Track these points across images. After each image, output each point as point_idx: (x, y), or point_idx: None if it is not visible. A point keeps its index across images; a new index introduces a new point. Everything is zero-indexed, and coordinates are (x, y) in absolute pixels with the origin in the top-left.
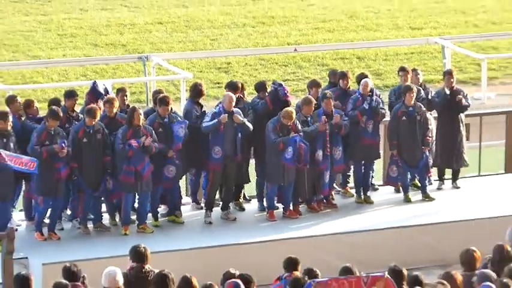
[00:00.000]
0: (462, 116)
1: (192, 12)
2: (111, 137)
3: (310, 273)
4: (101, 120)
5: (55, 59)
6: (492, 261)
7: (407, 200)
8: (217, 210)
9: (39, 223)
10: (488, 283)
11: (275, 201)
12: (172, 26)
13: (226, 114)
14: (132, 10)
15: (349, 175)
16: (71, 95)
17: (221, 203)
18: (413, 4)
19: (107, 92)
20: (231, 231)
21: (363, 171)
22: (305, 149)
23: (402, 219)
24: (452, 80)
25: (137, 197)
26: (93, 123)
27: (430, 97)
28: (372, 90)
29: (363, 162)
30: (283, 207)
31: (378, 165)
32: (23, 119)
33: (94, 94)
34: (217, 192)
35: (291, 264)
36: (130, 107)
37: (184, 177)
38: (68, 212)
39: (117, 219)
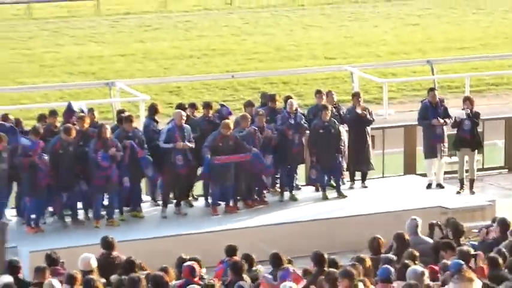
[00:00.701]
0: (368, 129)
1: (148, 47)
2: (85, 147)
3: (247, 257)
4: (76, 134)
5: (38, 85)
6: (396, 247)
7: (324, 198)
8: (171, 207)
9: (27, 218)
10: (387, 265)
11: (218, 199)
12: (132, 58)
13: (181, 143)
14: (100, 45)
15: (277, 177)
16: (53, 113)
17: (174, 200)
18: (327, 38)
19: (82, 111)
20: (182, 223)
21: (288, 174)
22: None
23: (321, 212)
24: (359, 99)
25: (106, 196)
26: (68, 138)
27: (342, 114)
28: (296, 109)
29: (289, 166)
30: (224, 204)
31: (301, 169)
32: None
33: (69, 112)
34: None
35: (231, 250)
36: (99, 123)
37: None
38: (50, 209)
39: (90, 215)
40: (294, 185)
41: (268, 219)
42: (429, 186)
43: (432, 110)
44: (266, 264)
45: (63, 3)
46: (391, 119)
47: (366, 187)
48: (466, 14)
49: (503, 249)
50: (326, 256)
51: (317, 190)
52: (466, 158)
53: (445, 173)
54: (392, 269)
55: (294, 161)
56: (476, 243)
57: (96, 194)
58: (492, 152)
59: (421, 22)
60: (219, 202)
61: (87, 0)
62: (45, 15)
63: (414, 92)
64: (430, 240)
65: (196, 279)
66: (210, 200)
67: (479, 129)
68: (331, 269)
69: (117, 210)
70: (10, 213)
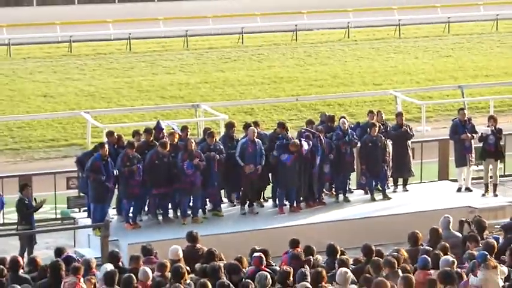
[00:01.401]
0: (409, 142)
1: (227, 75)
2: (175, 158)
3: (308, 249)
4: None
5: (136, 107)
6: (429, 240)
7: (372, 199)
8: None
9: (126, 216)
10: (425, 255)
11: (284, 200)
12: (214, 84)
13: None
14: (187, 74)
15: (333, 182)
16: (147, 131)
17: (248, 201)
18: (375, 68)
19: (173, 128)
20: (254, 221)
21: (342, 180)
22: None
23: (369, 212)
24: (403, 118)
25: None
26: (164, 152)
27: (388, 129)
28: (347, 127)
29: (343, 173)
30: (289, 204)
31: (353, 176)
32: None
33: (158, 129)
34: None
35: (294, 243)
36: (186, 138)
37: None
38: (146, 208)
39: (178, 214)
40: (347, 189)
41: (326, 217)
42: (459, 189)
43: (461, 127)
44: (323, 254)
45: (158, 39)
46: (428, 134)
47: (406, 191)
48: (491, 47)
49: None
50: (374, 248)
51: (366, 193)
52: (490, 166)
53: (473, 179)
54: (429, 259)
55: (346, 169)
56: (498, 236)
57: (183, 196)
58: None
59: (453, 54)
60: (285, 203)
61: (177, 37)
62: (143, 50)
63: (447, 112)
64: (460, 235)
65: (263, 266)
66: (277, 201)
67: (502, 143)
68: (376, 258)
69: (200, 210)
70: (112, 213)
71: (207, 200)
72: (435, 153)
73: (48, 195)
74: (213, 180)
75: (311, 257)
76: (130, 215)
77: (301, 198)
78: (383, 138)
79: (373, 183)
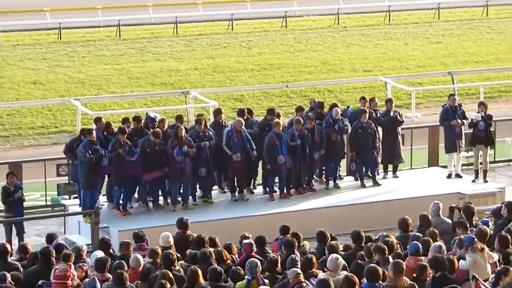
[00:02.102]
0: (399, 128)
1: (217, 62)
2: (165, 145)
3: (296, 235)
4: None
5: (125, 94)
6: (419, 226)
7: (362, 186)
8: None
9: (117, 203)
10: (416, 241)
11: (274, 187)
12: (204, 71)
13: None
14: (177, 61)
15: (323, 169)
16: (136, 119)
17: (238, 188)
18: (365, 54)
19: (155, 118)
20: (244, 207)
21: (332, 166)
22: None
23: (359, 198)
24: (392, 104)
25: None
26: (156, 140)
27: (378, 116)
28: (338, 116)
29: (333, 160)
30: (279, 191)
31: (343, 163)
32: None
33: (150, 121)
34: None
35: (284, 229)
36: (176, 125)
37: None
38: (135, 195)
39: (168, 200)
40: (337, 175)
41: (316, 204)
42: (449, 176)
43: (452, 113)
44: (312, 241)
45: (148, 26)
46: (418, 120)
47: (396, 177)
48: (481, 33)
49: None
50: (363, 234)
51: (356, 179)
52: (480, 152)
53: (463, 165)
54: (420, 245)
55: (337, 156)
56: (487, 220)
57: (174, 183)
58: (502, 148)
59: (443, 40)
60: (275, 190)
61: (167, 24)
62: (132, 37)
63: (437, 98)
64: (449, 221)
65: (253, 253)
66: (267, 188)
67: (492, 129)
68: (370, 244)
69: (190, 197)
70: (102, 200)
71: (198, 186)
72: (425, 140)
73: (39, 182)
74: (204, 167)
75: (297, 243)
76: (121, 202)
77: (291, 185)
78: (373, 124)
79: (363, 169)
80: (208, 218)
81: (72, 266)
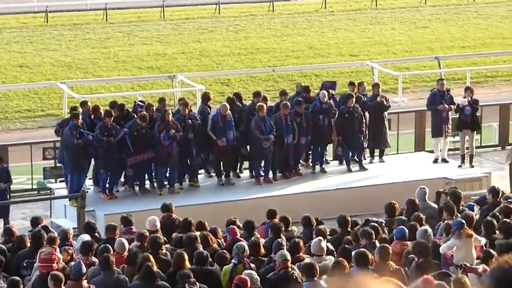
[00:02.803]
0: (385, 113)
1: (204, 46)
2: (151, 130)
3: (284, 219)
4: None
5: (112, 77)
6: (406, 211)
7: (349, 170)
8: (222, 178)
9: (103, 187)
10: (402, 226)
11: (260, 171)
12: (190, 55)
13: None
14: (164, 45)
15: (310, 153)
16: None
17: (224, 172)
18: (352, 39)
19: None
20: (231, 191)
21: (319, 151)
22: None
23: (346, 182)
24: (379, 89)
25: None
26: (143, 124)
27: (364, 101)
28: (325, 100)
29: (320, 144)
30: (264, 175)
31: (329, 147)
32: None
33: (138, 107)
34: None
35: (271, 214)
36: (163, 109)
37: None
38: (122, 179)
39: (154, 184)
40: (324, 160)
41: (302, 188)
42: (435, 161)
43: (439, 97)
44: (299, 225)
45: (135, 10)
46: (404, 105)
47: (383, 162)
48: (468, 18)
49: (497, 213)
50: (349, 219)
51: (342, 164)
52: (467, 137)
53: (449, 150)
54: (406, 229)
55: (324, 140)
56: (472, 204)
57: (160, 167)
58: (488, 133)
59: (430, 25)
60: (262, 174)
61: (154, 8)
62: (119, 20)
63: (424, 83)
64: (436, 206)
65: (238, 236)
66: (253, 172)
67: (478, 114)
68: (356, 228)
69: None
70: (88, 183)
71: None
72: (412, 125)
73: (25, 166)
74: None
75: (286, 227)
76: (107, 185)
77: (277, 170)
78: (360, 109)
79: (350, 154)
80: (195, 202)
81: (57, 249)
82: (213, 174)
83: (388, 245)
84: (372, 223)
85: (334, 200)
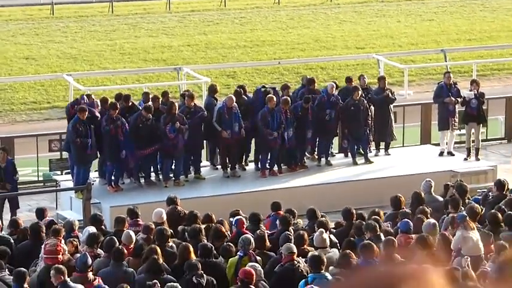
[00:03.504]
0: (391, 106)
1: (210, 38)
2: (157, 122)
3: (290, 212)
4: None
5: (118, 70)
6: (411, 204)
7: (354, 163)
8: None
9: (109, 179)
10: (407, 219)
11: (266, 164)
12: (196, 47)
13: (229, 132)
14: (170, 37)
15: (316, 146)
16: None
17: (230, 165)
18: (357, 31)
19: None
20: (236, 184)
21: (325, 144)
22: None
23: (351, 175)
24: (385, 82)
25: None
26: (147, 115)
27: (370, 94)
28: (333, 92)
29: (326, 137)
30: (269, 168)
31: (335, 140)
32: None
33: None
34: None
35: (276, 206)
36: (169, 101)
37: (205, 147)
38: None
39: (160, 177)
40: (329, 152)
41: (308, 181)
42: (441, 154)
43: (446, 90)
44: (304, 218)
45: (140, 2)
46: (410, 98)
47: (388, 154)
48: (474, 10)
49: (503, 206)
50: (354, 211)
51: (347, 157)
52: (473, 130)
53: (455, 143)
54: (411, 223)
55: (329, 133)
56: (478, 197)
57: (166, 160)
58: (494, 126)
59: (436, 18)
60: (268, 167)
61: (160, 0)
62: (125, 12)
63: (430, 76)
64: (441, 199)
65: (244, 229)
66: (259, 165)
67: (484, 107)
68: (358, 221)
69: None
70: (94, 175)
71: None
72: (417, 117)
73: (31, 158)
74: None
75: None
76: (113, 177)
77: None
78: (365, 101)
79: (355, 147)
80: (200, 194)
81: (62, 241)
82: (219, 166)
83: (393, 238)
84: (374, 216)
85: (340, 192)
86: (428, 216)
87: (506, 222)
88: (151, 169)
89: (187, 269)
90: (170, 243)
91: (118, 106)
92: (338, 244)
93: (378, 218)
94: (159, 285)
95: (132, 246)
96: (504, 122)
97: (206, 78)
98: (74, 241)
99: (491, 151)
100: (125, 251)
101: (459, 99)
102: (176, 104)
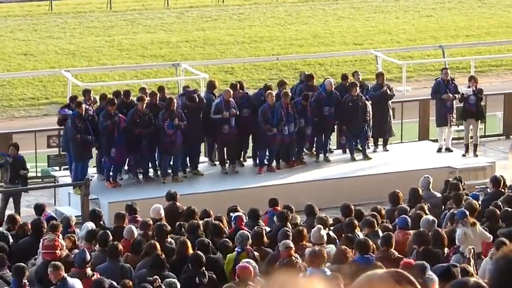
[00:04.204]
0: (389, 102)
1: (208, 34)
2: (154, 119)
3: (288, 208)
4: (147, 107)
5: (116, 66)
6: (408, 200)
7: (352, 159)
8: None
9: (107, 175)
10: (405, 215)
11: (264, 160)
12: (194, 43)
13: (227, 113)
14: (168, 33)
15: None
16: (126, 94)
17: (228, 160)
18: (356, 27)
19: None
20: (234, 180)
21: (323, 140)
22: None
23: (349, 171)
24: (383, 78)
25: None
26: (142, 108)
27: (366, 90)
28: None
29: (324, 133)
30: (267, 164)
31: (333, 136)
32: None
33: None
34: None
35: (273, 202)
36: (168, 97)
37: (202, 144)
38: (125, 167)
39: (158, 172)
40: (327, 148)
41: (306, 177)
42: (439, 150)
43: (444, 86)
44: (302, 214)
45: None
46: (408, 94)
47: (387, 151)
48: (472, 6)
49: (500, 202)
50: (353, 207)
51: (345, 153)
52: (471, 126)
53: (453, 139)
54: (408, 219)
55: (327, 129)
56: (477, 194)
57: (164, 155)
58: (492, 122)
59: (434, 14)
60: (266, 163)
61: None
62: (123, 8)
63: (428, 72)
64: (440, 195)
65: (243, 226)
66: (257, 161)
67: (482, 103)
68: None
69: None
70: (92, 171)
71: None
72: (416, 113)
73: (29, 154)
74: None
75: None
76: (111, 173)
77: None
78: (363, 98)
79: (353, 143)
80: (198, 190)
81: (60, 236)
82: (217, 162)
83: (391, 233)
84: (372, 211)
85: (338, 188)
86: (426, 212)
87: (503, 218)
88: (150, 165)
89: (191, 264)
90: (169, 239)
91: (116, 102)
92: (336, 240)
93: (376, 214)
94: (159, 280)
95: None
96: (502, 118)
97: (204, 74)
98: (72, 236)
99: (490, 147)
100: (120, 246)
101: (457, 96)
102: (175, 100)
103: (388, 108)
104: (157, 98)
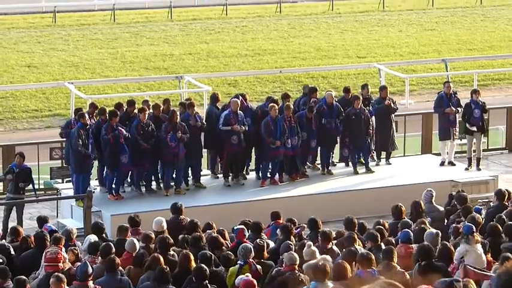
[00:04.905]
0: (392, 116)
1: (211, 47)
2: (157, 131)
3: (291, 221)
4: (150, 119)
5: (119, 78)
6: (411, 213)
7: (355, 172)
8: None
9: (109, 188)
10: (407, 229)
11: (267, 173)
12: (198, 56)
13: (238, 126)
14: (171, 45)
15: (316, 156)
16: (131, 103)
17: (234, 173)
18: (359, 41)
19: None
20: (237, 193)
21: (326, 153)
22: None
23: (352, 185)
24: (387, 92)
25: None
26: (144, 118)
27: (371, 103)
28: (332, 101)
29: (326, 146)
30: (270, 177)
31: (336, 149)
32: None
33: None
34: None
35: (275, 215)
36: (171, 110)
37: (205, 156)
38: (128, 180)
39: (161, 185)
40: (330, 161)
41: (309, 190)
42: (442, 163)
43: (446, 100)
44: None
45: (142, 10)
46: (411, 107)
47: (389, 164)
48: (475, 20)
49: (504, 216)
50: (356, 221)
51: (348, 166)
52: (474, 140)
53: (456, 152)
54: (411, 233)
55: (330, 142)
56: (479, 207)
57: (167, 168)
58: (495, 136)
59: (437, 27)
60: (269, 176)
61: (161, 8)
62: (126, 21)
63: (431, 86)
64: (442, 209)
65: (245, 239)
66: (260, 174)
67: (485, 117)
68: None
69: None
70: (95, 184)
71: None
72: (418, 127)
73: (32, 166)
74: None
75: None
76: (114, 186)
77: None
78: (366, 111)
79: (356, 156)
80: (201, 203)
81: (63, 249)
82: (220, 175)
83: (393, 247)
84: (377, 226)
85: (341, 202)
86: (428, 226)
87: (506, 232)
88: (152, 177)
89: (195, 277)
90: (172, 252)
91: (118, 114)
92: (339, 253)
93: (381, 227)
94: None
95: (134, 254)
96: (505, 131)
97: (207, 86)
98: (74, 249)
99: (493, 161)
100: (117, 259)
101: (459, 109)
102: (178, 113)
103: (391, 122)
104: (161, 110)
